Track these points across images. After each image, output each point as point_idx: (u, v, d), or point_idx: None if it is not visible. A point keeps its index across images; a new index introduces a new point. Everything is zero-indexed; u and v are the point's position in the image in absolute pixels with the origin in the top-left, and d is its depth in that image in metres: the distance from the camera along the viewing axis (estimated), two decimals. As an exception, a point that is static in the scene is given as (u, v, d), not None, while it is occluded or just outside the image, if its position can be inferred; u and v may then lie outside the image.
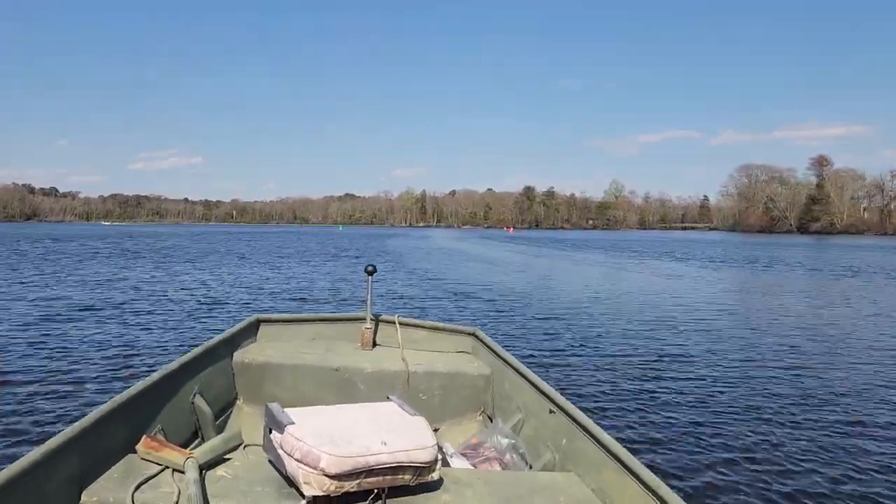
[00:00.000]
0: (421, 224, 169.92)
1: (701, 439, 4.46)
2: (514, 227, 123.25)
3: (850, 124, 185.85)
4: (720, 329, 9.44)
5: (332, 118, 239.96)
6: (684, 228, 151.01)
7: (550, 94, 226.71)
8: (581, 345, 7.81)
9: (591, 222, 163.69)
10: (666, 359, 7.15)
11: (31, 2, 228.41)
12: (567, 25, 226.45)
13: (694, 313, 11.05)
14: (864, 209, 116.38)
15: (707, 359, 7.23)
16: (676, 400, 5.46)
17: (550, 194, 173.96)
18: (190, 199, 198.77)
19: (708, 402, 5.42)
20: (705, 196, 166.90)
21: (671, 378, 6.25)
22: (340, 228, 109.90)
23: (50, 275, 15.95)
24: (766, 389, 5.88)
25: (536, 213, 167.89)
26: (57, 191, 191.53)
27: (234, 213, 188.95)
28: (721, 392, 5.75)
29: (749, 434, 4.58)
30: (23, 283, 14.00)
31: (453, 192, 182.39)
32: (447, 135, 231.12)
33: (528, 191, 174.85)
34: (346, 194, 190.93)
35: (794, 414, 5.12)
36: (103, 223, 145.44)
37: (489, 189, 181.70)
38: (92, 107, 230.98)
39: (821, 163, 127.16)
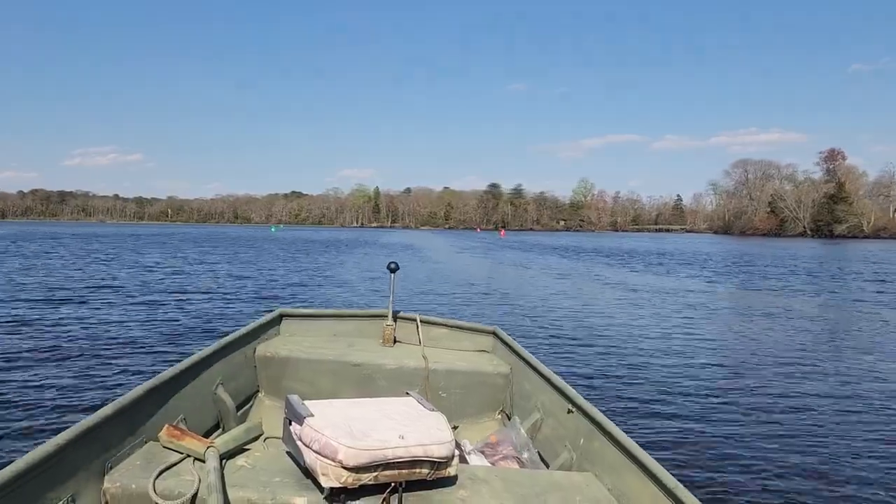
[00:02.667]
0: (374, 225, 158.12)
1: (721, 444, 4.49)
2: (502, 230, 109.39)
3: (786, 131, 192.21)
4: (757, 340, 8.98)
5: (280, 115, 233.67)
6: (658, 230, 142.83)
7: (497, 97, 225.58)
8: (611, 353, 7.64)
9: (562, 223, 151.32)
10: (692, 365, 7.11)
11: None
12: (515, 30, 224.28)
13: (727, 323, 10.59)
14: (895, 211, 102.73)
15: (735, 366, 7.14)
16: (698, 404, 5.48)
17: (518, 193, 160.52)
18: (121, 195, 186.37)
19: (731, 408, 5.41)
20: (678, 196, 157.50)
21: (695, 382, 6.26)
22: (274, 230, 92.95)
23: None
24: (796, 400, 5.75)
25: (503, 214, 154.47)
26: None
27: (170, 211, 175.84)
28: (746, 398, 5.73)
29: (773, 442, 4.56)
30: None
31: (408, 191, 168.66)
32: (397, 134, 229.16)
33: (494, 189, 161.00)
34: (293, 192, 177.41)
35: (822, 423, 5.05)
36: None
37: (446, 187, 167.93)
38: (23, 96, 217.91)
39: (833, 157, 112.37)
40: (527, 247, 47.35)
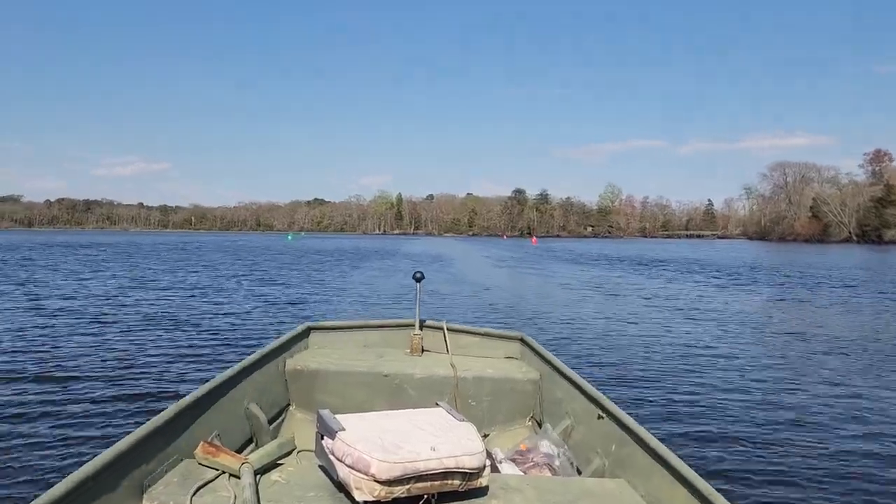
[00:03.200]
0: (396, 232, 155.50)
1: (758, 452, 4.43)
2: (534, 238, 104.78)
3: (814, 135, 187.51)
4: (805, 355, 8.39)
5: (303, 122, 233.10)
6: (689, 236, 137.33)
7: (519, 100, 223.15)
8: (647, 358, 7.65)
9: (590, 229, 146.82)
10: (731, 373, 7.01)
11: None
12: (537, 33, 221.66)
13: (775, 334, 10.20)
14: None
15: (775, 374, 7.02)
16: (735, 413, 5.40)
17: (544, 198, 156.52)
18: (146, 203, 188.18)
19: (770, 417, 5.33)
20: (709, 201, 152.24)
21: (732, 390, 6.21)
22: (290, 238, 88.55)
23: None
24: (839, 411, 5.58)
25: (528, 220, 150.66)
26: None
27: (193, 219, 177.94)
28: (786, 411, 5.56)
29: (815, 455, 4.45)
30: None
31: (431, 197, 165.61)
32: (417, 140, 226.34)
33: (519, 194, 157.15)
34: (315, 199, 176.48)
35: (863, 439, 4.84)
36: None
37: (469, 193, 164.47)
38: (52, 109, 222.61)
39: (879, 158, 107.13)
40: (570, 256, 41.65)
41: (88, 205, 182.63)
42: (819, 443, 4.67)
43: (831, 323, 11.69)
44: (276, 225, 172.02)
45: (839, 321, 11.99)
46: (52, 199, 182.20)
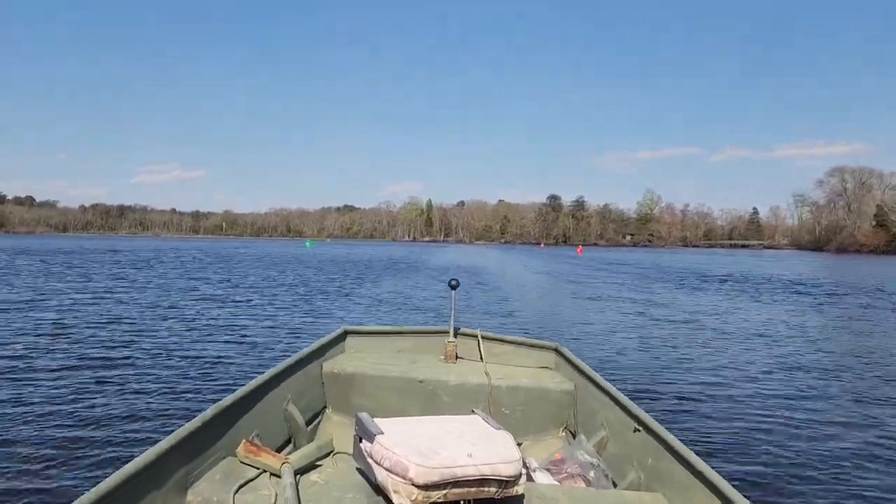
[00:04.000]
0: (426, 239, 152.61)
1: (797, 469, 4.37)
2: (580, 247, 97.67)
3: (854, 143, 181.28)
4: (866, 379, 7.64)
5: (334, 129, 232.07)
6: (733, 246, 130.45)
7: (547, 108, 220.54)
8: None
9: (629, 238, 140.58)
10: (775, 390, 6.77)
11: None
12: (572, 40, 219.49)
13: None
14: None
15: (837, 404, 6.44)
16: (775, 430, 5.29)
17: (580, 205, 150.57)
18: (178, 209, 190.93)
19: (815, 437, 5.18)
20: (754, 209, 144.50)
21: (772, 407, 6.03)
22: (309, 245, 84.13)
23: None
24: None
25: (564, 227, 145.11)
26: (34, 200, 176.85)
27: (224, 225, 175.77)
28: (834, 430, 5.38)
29: (861, 475, 4.33)
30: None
31: (462, 204, 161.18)
32: (449, 147, 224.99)
33: (554, 201, 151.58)
34: (345, 206, 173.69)
35: None
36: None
37: (501, 200, 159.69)
38: (89, 118, 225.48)
39: None
40: (633, 271, 33.59)
41: (122, 210, 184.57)
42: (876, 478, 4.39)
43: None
44: (305, 231, 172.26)
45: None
46: (87, 205, 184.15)
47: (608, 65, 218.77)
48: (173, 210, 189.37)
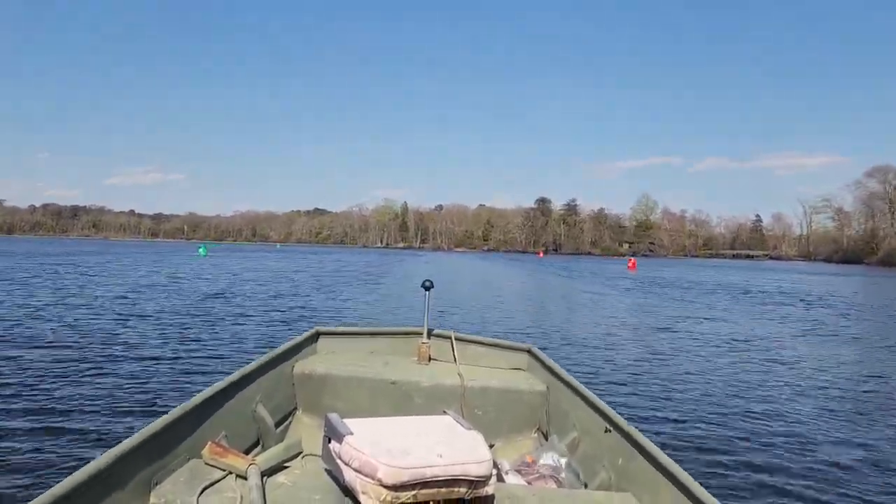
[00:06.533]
0: (401, 245, 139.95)
1: (770, 472, 4.45)
2: (632, 260, 77.67)
3: (832, 154, 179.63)
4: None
5: (313, 132, 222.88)
6: (736, 256, 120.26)
7: (529, 116, 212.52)
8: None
9: (626, 246, 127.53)
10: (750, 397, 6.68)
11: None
12: (551, 49, 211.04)
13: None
14: None
15: (793, 396, 6.75)
16: (744, 431, 5.36)
17: (572, 209, 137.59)
18: (137, 211, 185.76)
19: (785, 435, 5.28)
20: (757, 216, 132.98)
21: (745, 411, 6.06)
22: (203, 252, 64.56)
23: None
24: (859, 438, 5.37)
25: (555, 234, 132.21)
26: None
27: (186, 228, 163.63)
28: (802, 429, 5.52)
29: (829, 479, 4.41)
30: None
31: (440, 207, 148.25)
32: (426, 152, 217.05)
33: (542, 205, 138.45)
34: (316, 209, 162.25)
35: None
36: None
37: (481, 204, 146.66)
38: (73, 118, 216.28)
39: None
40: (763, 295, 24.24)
41: (75, 211, 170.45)
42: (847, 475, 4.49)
43: None
44: (272, 235, 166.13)
45: None
46: (38, 205, 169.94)
47: (597, 69, 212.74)
48: (132, 212, 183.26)
